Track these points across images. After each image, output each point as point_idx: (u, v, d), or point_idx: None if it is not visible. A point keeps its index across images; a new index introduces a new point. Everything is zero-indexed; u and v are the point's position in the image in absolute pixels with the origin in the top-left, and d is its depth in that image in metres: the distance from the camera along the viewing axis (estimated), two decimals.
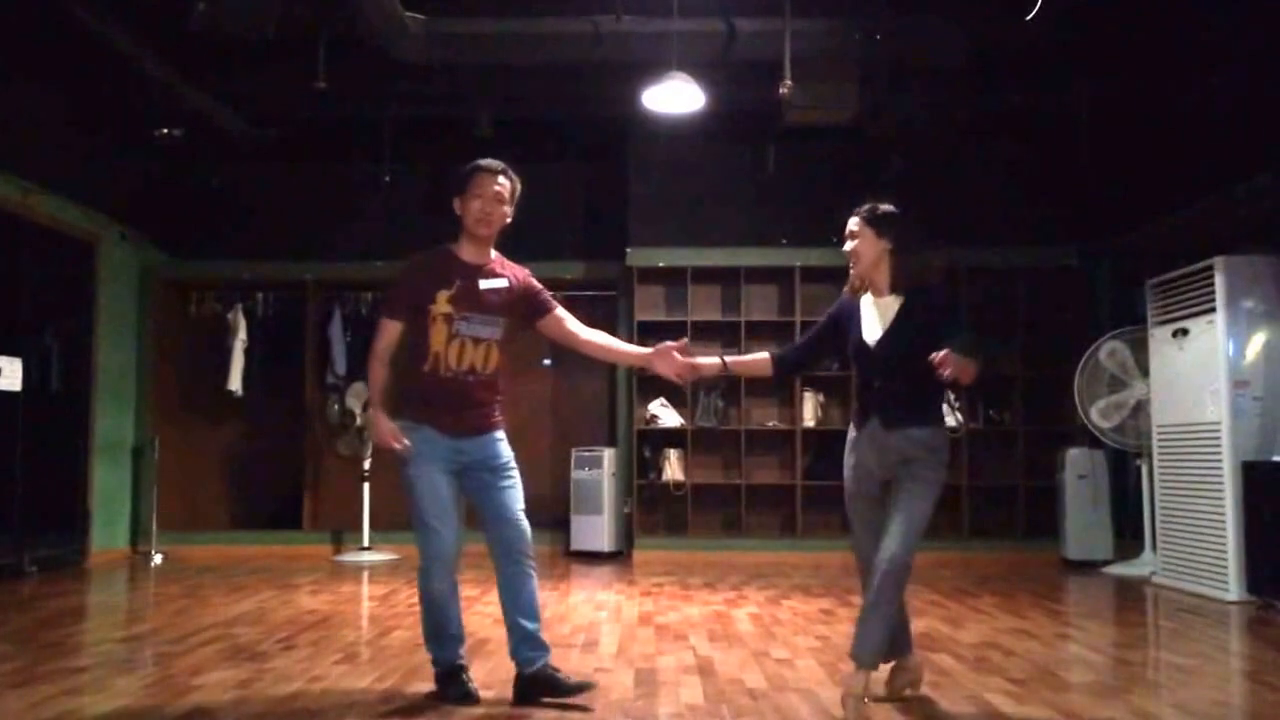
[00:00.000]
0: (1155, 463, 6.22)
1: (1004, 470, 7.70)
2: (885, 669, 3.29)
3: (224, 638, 4.40)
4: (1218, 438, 5.56)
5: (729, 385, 7.77)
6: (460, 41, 5.83)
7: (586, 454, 7.60)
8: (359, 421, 7.62)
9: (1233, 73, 5.67)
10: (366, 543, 7.51)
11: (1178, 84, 6.06)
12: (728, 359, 3.62)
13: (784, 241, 7.86)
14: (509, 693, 3.33)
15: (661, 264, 7.76)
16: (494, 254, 3.48)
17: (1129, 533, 6.99)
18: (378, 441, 3.37)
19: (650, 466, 7.73)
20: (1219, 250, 5.67)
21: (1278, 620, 4.91)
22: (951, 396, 7.70)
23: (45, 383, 6.83)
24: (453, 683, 3.33)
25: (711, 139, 7.50)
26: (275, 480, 8.03)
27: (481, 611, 5.00)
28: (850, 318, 3.36)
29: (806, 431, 7.71)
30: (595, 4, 5.67)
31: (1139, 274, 6.70)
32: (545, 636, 3.33)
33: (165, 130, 6.99)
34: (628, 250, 7.70)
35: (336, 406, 7.75)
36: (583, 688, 3.29)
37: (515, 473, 3.38)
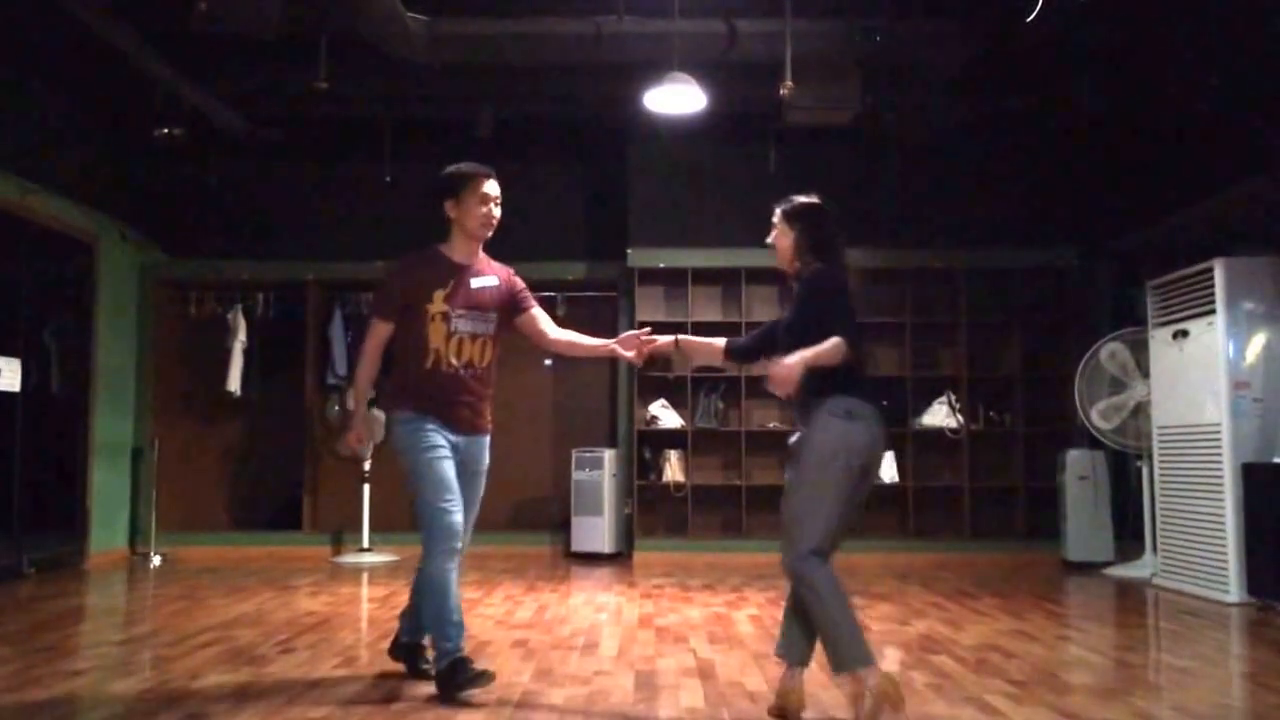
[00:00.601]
0: (1156, 464, 6.21)
1: (1004, 471, 7.70)
2: (888, 665, 3.26)
3: (223, 640, 4.39)
4: (1218, 439, 5.55)
5: (729, 386, 7.77)
6: (461, 42, 5.83)
7: (587, 455, 7.59)
8: None
9: (1232, 74, 5.67)
10: (366, 544, 7.50)
11: (1178, 85, 6.06)
12: (680, 338, 3.65)
13: None
14: (511, 693, 3.33)
15: (662, 264, 7.75)
16: (480, 253, 3.61)
17: (1129, 534, 6.99)
18: (351, 438, 3.63)
19: (650, 468, 7.72)
20: (1219, 251, 5.67)
21: (1278, 622, 4.90)
22: (951, 397, 7.72)
23: (45, 383, 6.82)
24: (461, 669, 3.28)
25: (712, 140, 7.50)
26: (275, 481, 8.02)
27: (483, 614, 5.00)
28: None
29: None
30: (596, 4, 5.66)
31: (1139, 275, 6.71)
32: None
33: (165, 130, 6.97)
34: (628, 251, 7.69)
35: (336, 407, 7.74)
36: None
37: (484, 479, 3.60)
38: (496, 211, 3.53)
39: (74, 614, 5.30)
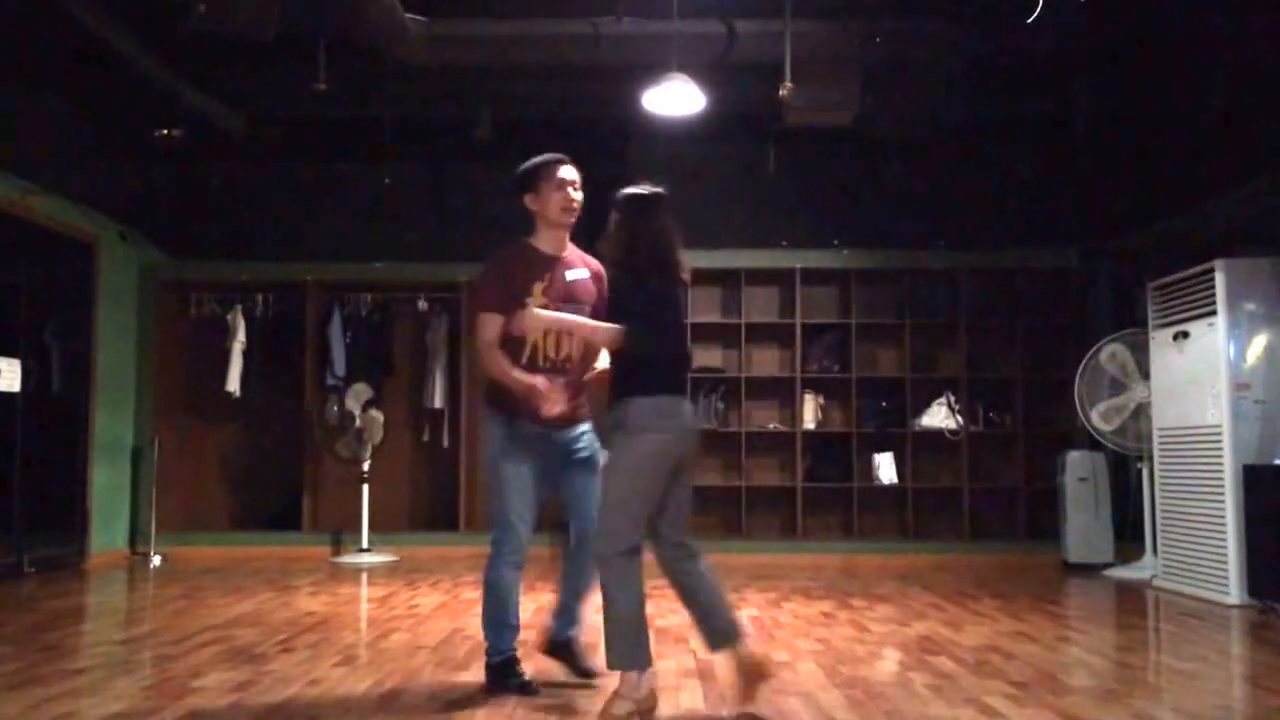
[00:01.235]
0: (1156, 466, 6.21)
1: (1004, 473, 7.71)
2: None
3: (223, 639, 4.39)
4: (1219, 441, 5.55)
5: (728, 387, 7.77)
6: (460, 43, 5.83)
7: None
8: (358, 423, 7.61)
9: (1233, 74, 5.67)
10: (365, 544, 7.50)
11: (1178, 85, 6.05)
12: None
13: (784, 243, 7.86)
14: (509, 693, 3.36)
15: None
16: (569, 246, 3.56)
17: (1129, 536, 6.98)
18: (547, 406, 3.26)
19: None
20: (1220, 252, 5.66)
21: (1278, 624, 4.90)
22: (951, 398, 7.71)
23: (45, 383, 6.82)
24: (508, 672, 3.46)
25: (711, 140, 7.48)
26: (274, 481, 8.02)
27: None
28: None
29: (807, 433, 7.71)
30: (595, 5, 5.66)
31: (1139, 276, 6.70)
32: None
33: (165, 131, 6.98)
34: None
35: (336, 408, 7.74)
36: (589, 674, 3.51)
37: (596, 465, 3.46)
38: (577, 195, 3.48)
39: (74, 613, 5.30)
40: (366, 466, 7.61)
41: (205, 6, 4.81)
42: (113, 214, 7.48)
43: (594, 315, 3.40)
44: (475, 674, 3.68)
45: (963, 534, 7.57)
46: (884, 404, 7.81)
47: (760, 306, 7.92)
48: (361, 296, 7.97)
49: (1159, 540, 6.21)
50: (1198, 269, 5.77)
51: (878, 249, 7.81)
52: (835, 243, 7.89)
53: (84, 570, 6.95)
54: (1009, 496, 7.65)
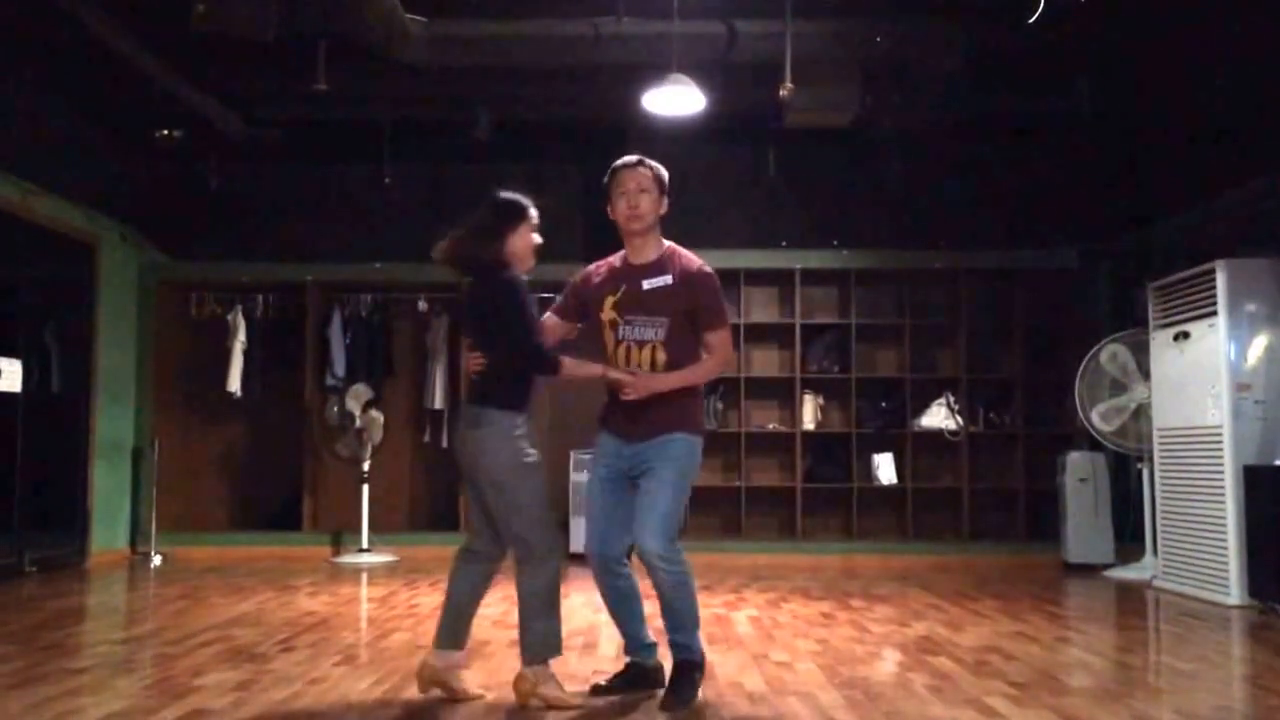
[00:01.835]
0: (1156, 466, 6.21)
1: (1004, 473, 7.71)
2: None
3: (223, 639, 4.39)
4: (1219, 441, 5.55)
5: (728, 388, 7.76)
6: (460, 43, 5.82)
7: (586, 457, 7.57)
8: (358, 423, 7.61)
9: (1233, 75, 5.67)
10: (365, 544, 7.50)
11: (1179, 86, 6.06)
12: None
13: (784, 244, 7.85)
14: (509, 693, 3.33)
15: None
16: (665, 248, 3.48)
17: (1130, 536, 6.98)
18: (628, 390, 3.30)
19: None
20: (1221, 253, 5.66)
21: (1278, 624, 4.90)
22: (950, 399, 7.71)
23: (45, 383, 6.82)
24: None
25: (712, 141, 7.48)
26: (274, 481, 8.02)
27: (483, 614, 4.97)
28: None
29: (806, 434, 7.71)
30: (595, 6, 5.66)
31: (1140, 276, 6.70)
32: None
33: (165, 131, 6.98)
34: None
35: (336, 408, 7.73)
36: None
37: (660, 478, 3.27)
38: (643, 199, 3.41)
39: (75, 613, 5.30)
40: (366, 467, 7.61)
41: (205, 7, 4.81)
42: (113, 214, 7.48)
43: (673, 322, 3.32)
44: (474, 674, 3.69)
45: (962, 534, 7.57)
46: (884, 404, 7.81)
47: (760, 307, 7.92)
48: (361, 297, 7.97)
49: (1159, 541, 6.20)
50: (1198, 269, 5.76)
51: (878, 249, 7.80)
52: (835, 243, 7.88)
53: (84, 570, 6.95)
54: (1009, 497, 7.65)
